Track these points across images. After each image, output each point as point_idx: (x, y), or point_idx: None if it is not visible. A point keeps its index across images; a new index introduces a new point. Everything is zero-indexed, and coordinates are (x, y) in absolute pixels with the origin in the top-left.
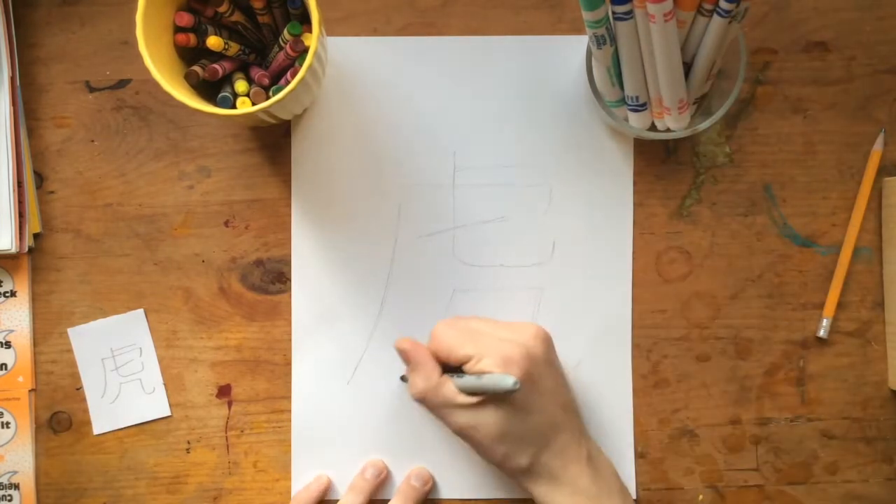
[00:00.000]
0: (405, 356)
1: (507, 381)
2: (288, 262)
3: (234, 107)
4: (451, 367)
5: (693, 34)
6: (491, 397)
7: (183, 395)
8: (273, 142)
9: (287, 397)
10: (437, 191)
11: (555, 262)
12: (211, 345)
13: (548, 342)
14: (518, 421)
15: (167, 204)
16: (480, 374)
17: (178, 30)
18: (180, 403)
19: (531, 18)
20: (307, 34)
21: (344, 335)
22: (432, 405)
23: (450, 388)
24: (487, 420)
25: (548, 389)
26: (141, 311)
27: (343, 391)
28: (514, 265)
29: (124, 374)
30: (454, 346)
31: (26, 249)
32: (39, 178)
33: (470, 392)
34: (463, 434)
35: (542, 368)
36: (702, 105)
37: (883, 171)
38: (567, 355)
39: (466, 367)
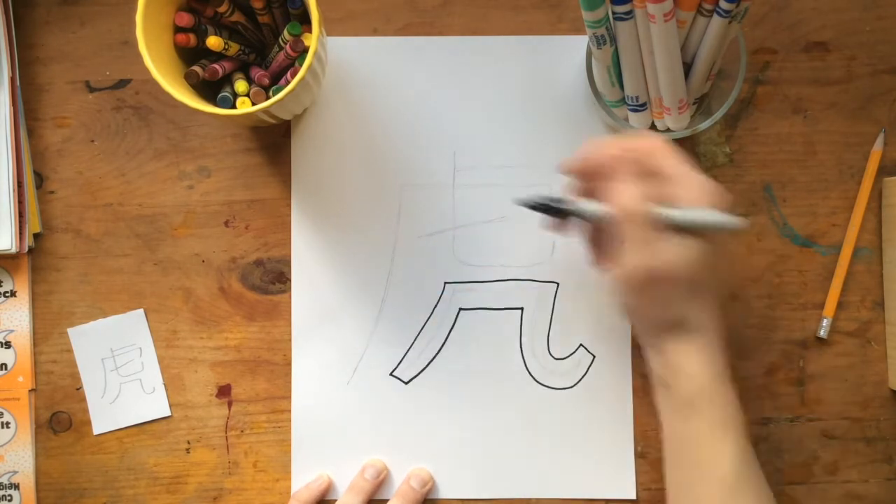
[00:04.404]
0: (612, 162)
1: (734, 219)
2: (288, 262)
3: (234, 107)
4: None
5: (693, 34)
6: (690, 236)
7: (183, 395)
8: (273, 142)
9: (287, 397)
10: (437, 191)
11: (555, 262)
12: (211, 345)
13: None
14: (703, 269)
15: (167, 204)
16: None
17: (178, 30)
18: (180, 403)
19: (531, 18)
20: (307, 34)
21: (344, 335)
22: (633, 221)
23: (654, 209)
24: (674, 255)
25: (732, 258)
26: (141, 311)
27: (343, 391)
28: (514, 265)
29: (124, 374)
30: (662, 151)
31: (26, 249)
32: (39, 178)
33: (674, 222)
34: (635, 265)
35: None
36: (702, 105)
37: (883, 171)
38: (567, 354)
39: (669, 195)
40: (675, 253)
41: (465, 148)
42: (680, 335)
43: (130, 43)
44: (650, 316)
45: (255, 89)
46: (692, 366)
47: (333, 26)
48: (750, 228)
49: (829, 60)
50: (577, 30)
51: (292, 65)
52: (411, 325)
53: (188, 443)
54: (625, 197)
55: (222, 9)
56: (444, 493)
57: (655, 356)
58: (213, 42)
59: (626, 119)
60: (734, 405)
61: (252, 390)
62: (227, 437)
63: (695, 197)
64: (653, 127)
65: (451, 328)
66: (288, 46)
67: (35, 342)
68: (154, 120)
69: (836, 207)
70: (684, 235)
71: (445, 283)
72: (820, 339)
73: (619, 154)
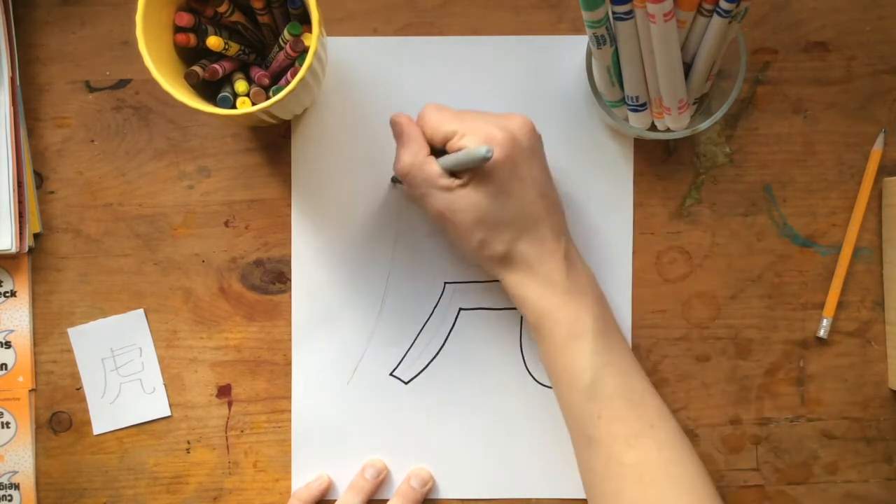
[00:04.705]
0: (398, 129)
1: (481, 149)
2: (288, 262)
3: (234, 107)
4: (437, 152)
5: (693, 34)
6: (471, 181)
7: (183, 395)
8: (273, 142)
9: (287, 397)
10: None
11: None
12: (211, 345)
13: (534, 133)
14: (497, 205)
15: (167, 204)
16: (461, 150)
17: (178, 30)
18: (180, 403)
19: (531, 18)
20: (307, 34)
21: (344, 335)
22: (415, 182)
23: (434, 167)
24: (467, 202)
25: (529, 178)
26: (141, 311)
27: (343, 391)
28: None
29: (124, 374)
30: (441, 122)
31: (26, 249)
32: (39, 178)
33: (451, 170)
34: (442, 218)
35: (526, 157)
36: (702, 105)
37: (883, 171)
38: None
39: (449, 145)
40: (450, 198)
41: None
42: (511, 268)
43: (130, 43)
44: (478, 255)
45: (255, 89)
46: (529, 294)
47: (333, 26)
48: (749, 230)
49: (829, 60)
50: (577, 30)
51: (292, 65)
52: (411, 325)
53: (188, 443)
54: (399, 162)
55: (222, 9)
56: (444, 493)
57: (504, 287)
58: (213, 42)
59: (626, 119)
60: (590, 314)
61: (252, 390)
62: (227, 437)
63: (473, 143)
64: (653, 127)
65: (451, 328)
66: (288, 46)
67: (35, 342)
68: (154, 120)
69: (836, 207)
70: (467, 180)
71: (445, 283)
72: (820, 339)
73: (413, 126)
